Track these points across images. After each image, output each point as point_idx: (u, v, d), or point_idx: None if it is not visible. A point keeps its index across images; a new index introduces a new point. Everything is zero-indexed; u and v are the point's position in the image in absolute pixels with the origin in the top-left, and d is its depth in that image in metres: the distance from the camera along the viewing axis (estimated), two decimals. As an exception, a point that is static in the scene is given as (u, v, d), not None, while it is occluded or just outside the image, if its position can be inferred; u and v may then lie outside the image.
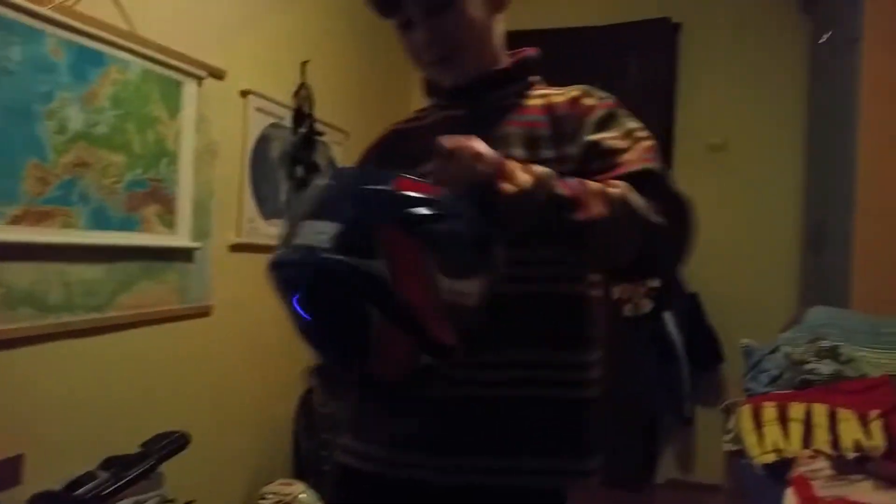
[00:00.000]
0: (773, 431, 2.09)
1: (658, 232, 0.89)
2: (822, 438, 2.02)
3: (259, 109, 2.65)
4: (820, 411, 2.11)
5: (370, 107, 3.58)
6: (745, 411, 2.23)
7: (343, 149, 3.26)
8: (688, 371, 3.43)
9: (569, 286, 1.02)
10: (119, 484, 1.67)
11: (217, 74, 2.38)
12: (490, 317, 0.88)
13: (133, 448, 1.87)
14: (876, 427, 2.02)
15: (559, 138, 1.02)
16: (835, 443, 1.99)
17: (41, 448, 1.76)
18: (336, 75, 3.25)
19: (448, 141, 0.83)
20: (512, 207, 0.81)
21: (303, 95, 2.91)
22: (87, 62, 1.89)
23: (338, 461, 1.11)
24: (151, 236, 2.13)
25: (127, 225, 2.04)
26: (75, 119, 1.86)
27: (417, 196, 0.76)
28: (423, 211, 0.75)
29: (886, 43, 2.52)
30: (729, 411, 2.46)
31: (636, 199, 0.88)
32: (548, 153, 1.00)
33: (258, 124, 2.66)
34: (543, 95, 1.08)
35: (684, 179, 4.12)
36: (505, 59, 1.11)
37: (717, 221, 3.66)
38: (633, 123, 1.01)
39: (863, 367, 2.34)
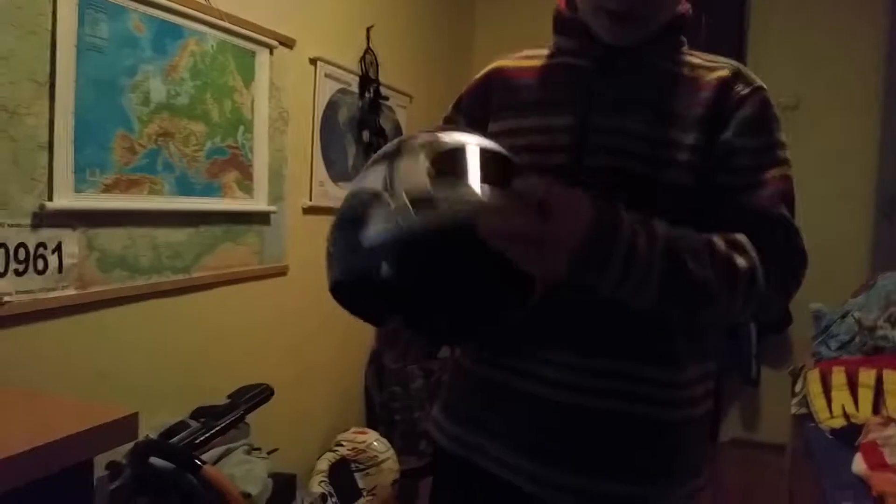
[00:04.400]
0: (841, 396, 2.09)
1: (761, 297, 0.84)
2: (893, 405, 2.00)
3: (328, 76, 2.71)
4: (891, 378, 2.09)
5: (433, 70, 3.60)
6: (814, 375, 2.22)
7: (407, 112, 3.31)
8: (755, 332, 3.40)
9: None
10: (210, 433, 1.79)
11: (287, 43, 2.44)
12: (580, 321, 0.87)
13: (221, 399, 2.00)
14: (950, 394, 2.00)
15: (696, 122, 0.89)
16: (906, 409, 1.97)
17: (136, 398, 1.90)
18: (400, 40, 3.28)
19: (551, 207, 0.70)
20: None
21: (368, 61, 2.95)
22: (166, 36, 1.96)
23: (430, 433, 1.07)
24: (231, 201, 2.23)
25: (209, 191, 2.14)
26: (157, 91, 1.94)
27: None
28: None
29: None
30: (797, 374, 2.45)
31: (745, 271, 0.81)
32: (675, 134, 0.89)
33: (327, 91, 2.72)
34: (690, 65, 0.94)
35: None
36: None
37: (790, 181, 3.58)
38: (779, 134, 0.91)
39: (937, 333, 2.30)
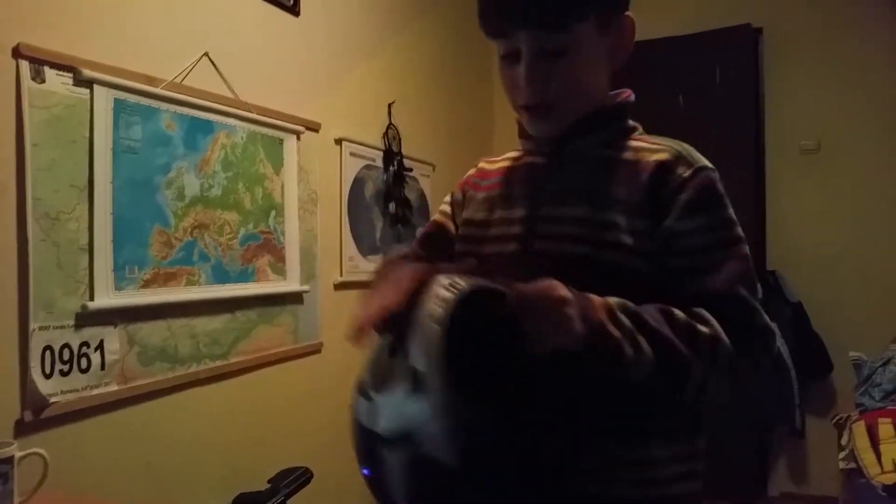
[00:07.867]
0: (891, 450, 2.04)
1: (732, 366, 0.85)
2: (944, 457, 1.95)
3: (353, 154, 2.78)
4: (941, 428, 2.04)
5: (455, 137, 3.68)
6: (860, 428, 2.17)
7: (430, 180, 3.38)
8: (797, 381, 3.34)
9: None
10: (253, 522, 1.80)
11: (313, 127, 2.53)
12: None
13: (261, 484, 2.01)
14: None
15: (636, 206, 0.93)
16: (959, 461, 1.92)
17: (180, 488, 1.92)
18: (421, 112, 3.36)
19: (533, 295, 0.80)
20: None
21: (391, 135, 3.03)
22: (198, 131, 2.05)
23: None
24: (265, 284, 2.28)
25: (243, 277, 2.19)
26: (191, 185, 2.02)
27: None
28: None
29: None
30: (841, 426, 2.40)
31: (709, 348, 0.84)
32: (616, 217, 0.93)
33: (352, 168, 2.79)
34: (635, 149, 0.98)
35: (778, 184, 4.02)
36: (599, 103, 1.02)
37: (817, 227, 3.56)
38: (726, 212, 0.93)
39: None
